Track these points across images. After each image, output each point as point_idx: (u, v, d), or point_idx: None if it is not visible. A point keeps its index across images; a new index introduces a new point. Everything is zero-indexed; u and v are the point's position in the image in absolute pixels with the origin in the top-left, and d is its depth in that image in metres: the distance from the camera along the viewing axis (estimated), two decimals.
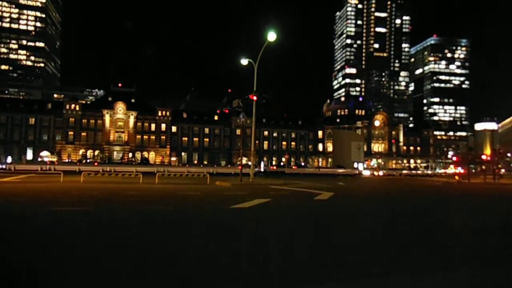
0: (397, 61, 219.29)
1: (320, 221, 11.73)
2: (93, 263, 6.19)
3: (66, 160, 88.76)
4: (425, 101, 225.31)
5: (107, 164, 69.65)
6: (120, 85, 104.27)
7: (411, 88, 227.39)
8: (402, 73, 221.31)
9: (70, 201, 15.02)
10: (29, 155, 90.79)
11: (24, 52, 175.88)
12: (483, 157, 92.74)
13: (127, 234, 8.65)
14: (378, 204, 18.62)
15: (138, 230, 9.19)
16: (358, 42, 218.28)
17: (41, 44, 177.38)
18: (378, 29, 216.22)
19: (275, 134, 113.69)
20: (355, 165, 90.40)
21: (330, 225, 11.01)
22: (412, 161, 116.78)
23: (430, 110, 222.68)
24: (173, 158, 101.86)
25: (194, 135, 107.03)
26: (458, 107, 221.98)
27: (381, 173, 77.76)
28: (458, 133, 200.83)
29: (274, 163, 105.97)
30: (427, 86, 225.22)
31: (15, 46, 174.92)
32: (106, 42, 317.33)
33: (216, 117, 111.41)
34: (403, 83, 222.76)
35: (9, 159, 76.68)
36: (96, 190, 20.14)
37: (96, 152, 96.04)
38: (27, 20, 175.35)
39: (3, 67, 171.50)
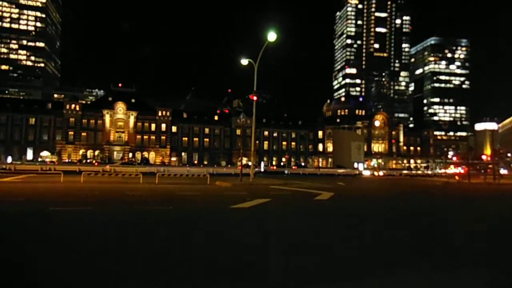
0: (397, 61, 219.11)
1: (320, 222, 11.73)
2: (92, 263, 6.19)
3: (66, 160, 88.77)
4: (425, 101, 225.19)
5: (107, 164, 69.62)
6: (120, 85, 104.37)
7: (411, 88, 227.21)
8: (402, 73, 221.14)
9: (70, 201, 15.03)
10: (29, 155, 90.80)
11: (24, 52, 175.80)
12: (483, 157, 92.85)
13: (126, 234, 8.65)
14: (378, 204, 18.63)
15: (137, 230, 9.19)
16: (358, 42, 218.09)
17: (41, 44, 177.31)
18: (378, 29, 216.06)
19: (275, 134, 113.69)
20: (355, 165, 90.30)
21: (329, 225, 11.01)
22: (412, 161, 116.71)
23: (430, 110, 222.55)
24: (173, 158, 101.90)
25: (194, 135, 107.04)
26: (458, 107, 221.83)
27: (381, 173, 77.70)
28: (458, 133, 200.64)
29: (274, 163, 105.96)
30: (427, 86, 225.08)
31: (15, 46, 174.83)
32: (106, 42, 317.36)
33: (216, 117, 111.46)
34: (403, 83, 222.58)
35: (9, 159, 76.70)
36: (96, 190, 20.14)
37: (96, 152, 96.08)
38: (27, 20, 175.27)
39: (3, 67, 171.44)
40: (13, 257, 6.46)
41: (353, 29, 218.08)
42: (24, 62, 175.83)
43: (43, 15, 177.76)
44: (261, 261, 6.57)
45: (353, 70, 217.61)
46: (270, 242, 8.15)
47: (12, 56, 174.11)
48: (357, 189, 30.06)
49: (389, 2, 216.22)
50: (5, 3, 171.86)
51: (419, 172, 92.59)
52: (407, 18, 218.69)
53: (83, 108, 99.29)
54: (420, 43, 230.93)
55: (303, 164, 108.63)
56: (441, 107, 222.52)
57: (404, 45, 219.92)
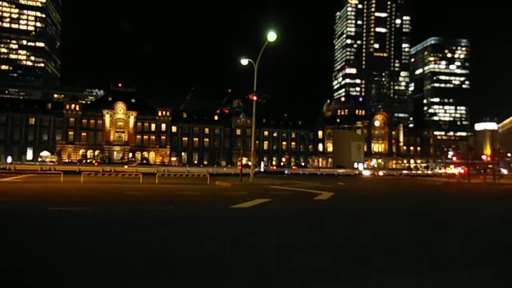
0: (397, 61, 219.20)
1: (319, 222, 11.74)
2: (92, 263, 6.19)
3: (66, 160, 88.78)
4: (425, 101, 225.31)
5: (107, 164, 69.66)
6: (120, 85, 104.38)
7: (411, 88, 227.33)
8: (402, 73, 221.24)
9: (70, 201, 15.03)
10: (29, 155, 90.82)
11: (24, 52, 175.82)
12: (483, 157, 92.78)
13: (126, 234, 8.65)
14: (378, 204, 18.62)
15: (137, 230, 9.19)
16: (358, 42, 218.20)
17: (41, 44, 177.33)
18: (378, 29, 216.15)
19: (275, 134, 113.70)
20: (355, 165, 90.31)
21: (329, 225, 11.01)
22: (412, 161, 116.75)
23: (430, 110, 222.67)
24: (173, 158, 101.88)
25: (194, 135, 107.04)
26: (458, 107, 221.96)
27: (381, 173, 77.71)
28: (458, 133, 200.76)
29: (274, 163, 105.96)
30: (427, 86, 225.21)
31: (15, 46, 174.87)
32: (106, 42, 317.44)
33: (216, 117, 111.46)
34: (403, 83, 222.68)
35: (9, 159, 76.66)
36: (96, 190, 20.15)
37: (96, 152, 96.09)
38: (27, 20, 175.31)
39: (3, 67, 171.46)
40: (13, 257, 6.46)
41: (353, 29, 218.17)
42: (24, 62, 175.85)
43: (43, 15, 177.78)
44: (261, 261, 6.57)
45: (353, 70, 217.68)
46: (270, 242, 8.15)
47: (12, 56, 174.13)
48: (357, 189, 30.06)
49: (389, 2, 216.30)
50: (5, 3, 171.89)
51: (419, 172, 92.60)
52: (407, 18, 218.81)
53: (83, 108, 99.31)
54: (420, 43, 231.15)
55: (303, 164, 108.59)
56: (441, 107, 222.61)
57: (404, 45, 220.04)
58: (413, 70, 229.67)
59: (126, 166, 55.37)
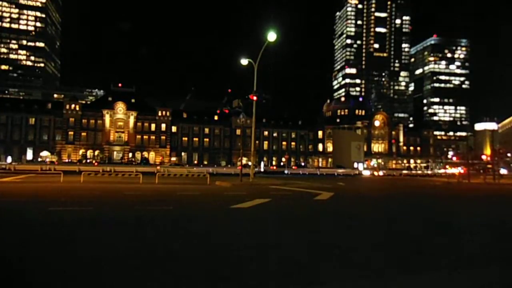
0: (397, 61, 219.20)
1: (319, 222, 11.74)
2: (92, 263, 6.19)
3: (66, 160, 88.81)
4: (425, 101, 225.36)
5: (107, 164, 69.65)
6: (120, 85, 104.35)
7: (411, 88, 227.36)
8: (402, 73, 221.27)
9: (70, 201, 15.03)
10: (29, 155, 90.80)
11: (24, 52, 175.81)
12: (483, 157, 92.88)
13: (126, 235, 8.65)
14: (378, 204, 18.63)
15: (137, 230, 9.19)
16: (358, 42, 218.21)
17: (41, 44, 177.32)
18: (378, 29, 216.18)
19: (275, 134, 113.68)
20: (355, 165, 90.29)
21: (329, 225, 11.01)
22: (412, 161, 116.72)
23: (430, 110, 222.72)
24: (173, 158, 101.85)
25: (194, 135, 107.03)
26: (458, 107, 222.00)
27: (381, 173, 77.71)
28: (458, 133, 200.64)
29: (274, 163, 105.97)
30: (427, 86, 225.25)
31: (15, 46, 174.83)
32: (106, 42, 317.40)
33: (216, 117, 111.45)
34: (403, 83, 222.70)
35: (9, 159, 76.65)
36: (96, 190, 20.14)
37: (96, 152, 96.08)
38: (27, 20, 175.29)
39: (3, 67, 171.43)
40: (13, 257, 6.46)
41: (353, 29, 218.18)
42: (24, 62, 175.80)
43: (43, 15, 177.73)
44: (260, 261, 6.57)
45: (353, 70, 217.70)
46: (269, 242, 8.15)
47: (12, 56, 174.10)
48: (357, 189, 30.06)
49: (389, 2, 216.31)
50: (5, 3, 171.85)
51: (419, 172, 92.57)
52: (407, 18, 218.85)
53: (83, 108, 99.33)
54: (420, 43, 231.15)
55: (303, 164, 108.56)
56: (441, 107, 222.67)
57: (404, 45, 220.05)
58: (413, 70, 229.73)
59: (158, 167, 55.69)
